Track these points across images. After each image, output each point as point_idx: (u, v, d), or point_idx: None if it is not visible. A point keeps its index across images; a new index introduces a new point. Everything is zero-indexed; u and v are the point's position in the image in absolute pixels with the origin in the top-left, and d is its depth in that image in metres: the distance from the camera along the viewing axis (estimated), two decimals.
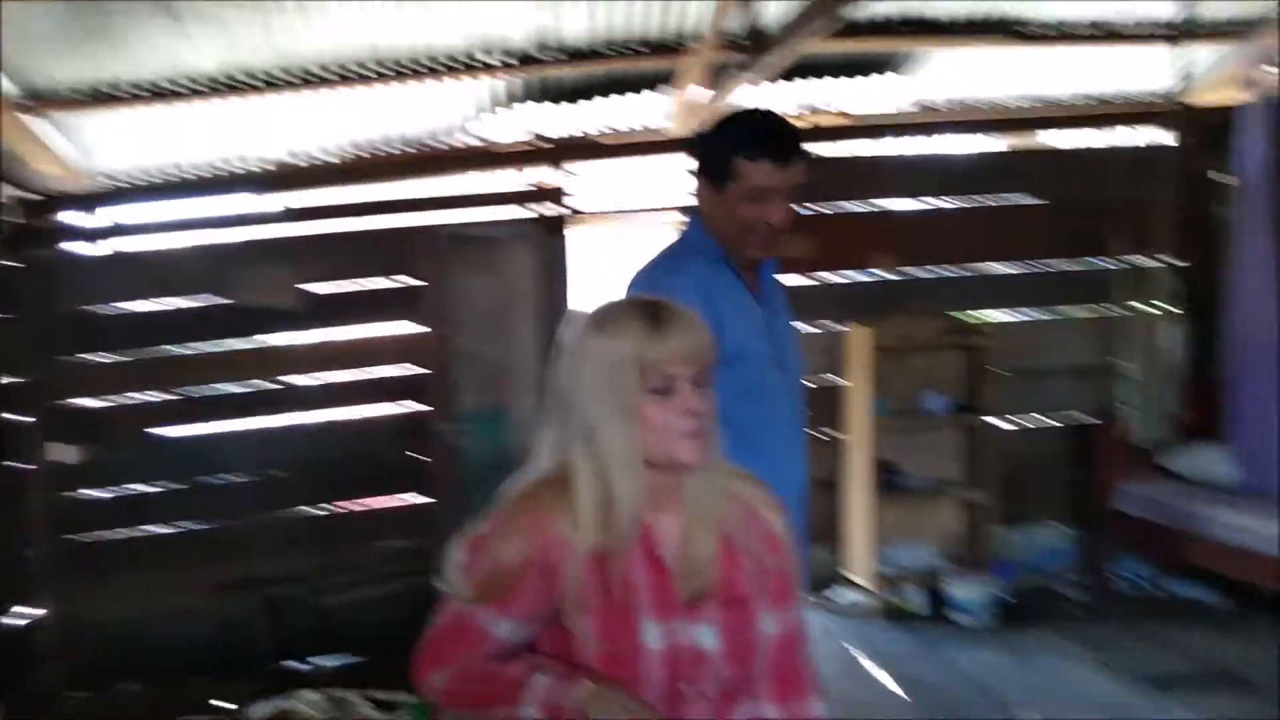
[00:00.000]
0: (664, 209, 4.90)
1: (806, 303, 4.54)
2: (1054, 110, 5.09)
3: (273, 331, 4.31)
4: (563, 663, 1.38)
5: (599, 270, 4.86)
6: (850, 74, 4.76)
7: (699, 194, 2.04)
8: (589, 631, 1.36)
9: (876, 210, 4.88)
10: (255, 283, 4.11)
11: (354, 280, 4.35)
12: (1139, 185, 4.87)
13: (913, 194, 4.87)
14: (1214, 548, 3.90)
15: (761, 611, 1.42)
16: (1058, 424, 4.84)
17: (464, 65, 4.14)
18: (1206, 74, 4.85)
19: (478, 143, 4.69)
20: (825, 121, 4.93)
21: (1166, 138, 4.91)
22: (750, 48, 3.84)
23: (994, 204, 4.89)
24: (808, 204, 4.80)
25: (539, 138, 4.69)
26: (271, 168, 4.49)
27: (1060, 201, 4.86)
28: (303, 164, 4.53)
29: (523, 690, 1.35)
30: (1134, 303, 4.64)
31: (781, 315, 2.13)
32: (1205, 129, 4.67)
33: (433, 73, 4.14)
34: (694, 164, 2.04)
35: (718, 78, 4.26)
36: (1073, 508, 4.75)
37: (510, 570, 1.37)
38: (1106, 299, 4.73)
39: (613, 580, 1.36)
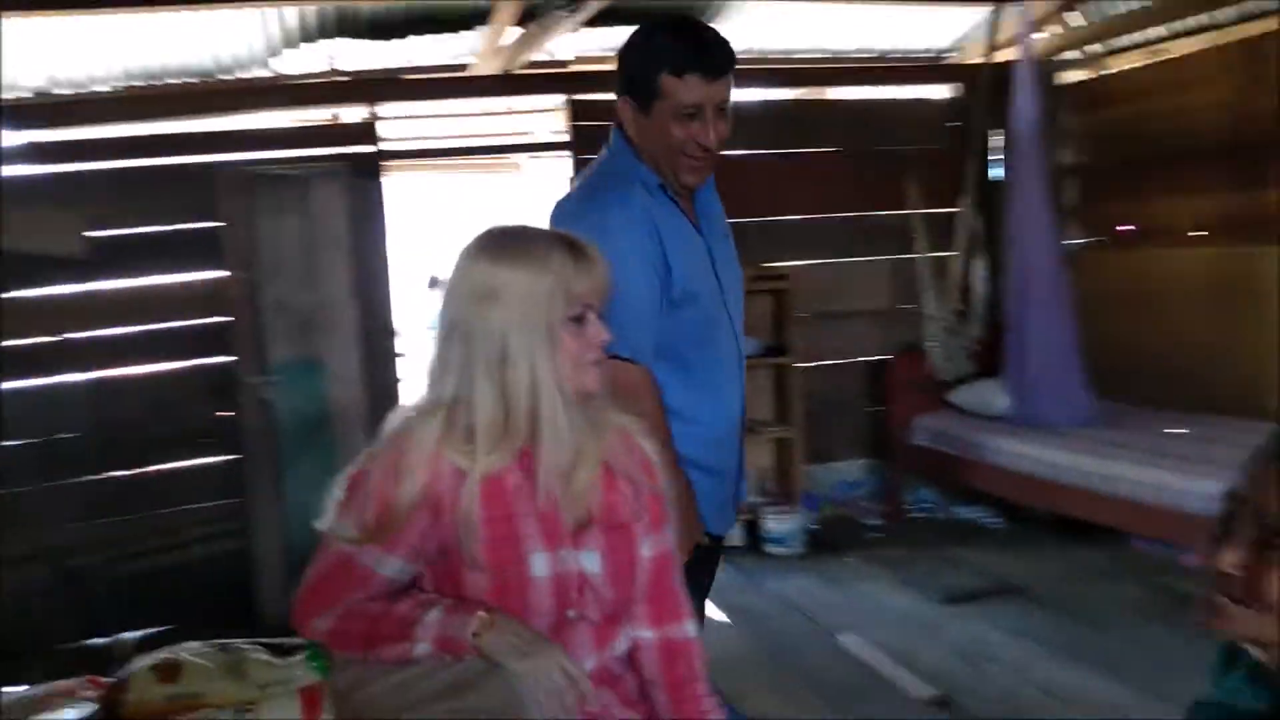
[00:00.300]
0: (479, 150, 4.81)
1: None
2: (846, 64, 5.34)
3: (56, 282, 3.92)
4: (451, 597, 1.37)
5: (416, 213, 4.71)
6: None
7: (625, 117, 1.87)
8: (479, 562, 1.35)
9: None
10: (31, 228, 3.71)
11: (147, 224, 4.01)
12: (929, 137, 5.24)
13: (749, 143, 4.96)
14: (992, 472, 4.32)
15: (641, 536, 1.46)
16: (858, 362, 5.15)
17: None
18: (987, 32, 5.25)
19: (278, 77, 4.41)
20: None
21: (954, 92, 5.30)
22: None
23: (793, 154, 5.09)
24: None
25: (339, 73, 4.46)
26: (38, 98, 4.05)
27: (857, 152, 5.12)
28: (77, 94, 4.11)
29: (414, 626, 1.33)
30: (930, 250, 4.97)
31: (722, 242, 2.01)
32: (988, 84, 5.06)
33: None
34: (618, 84, 1.87)
35: (533, 19, 4.20)
36: (871, 442, 5.11)
37: (399, 506, 1.34)
38: (906, 246, 5.02)
39: (509, 514, 1.36)
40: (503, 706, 1.28)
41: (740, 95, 5.02)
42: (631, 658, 1.49)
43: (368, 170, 4.26)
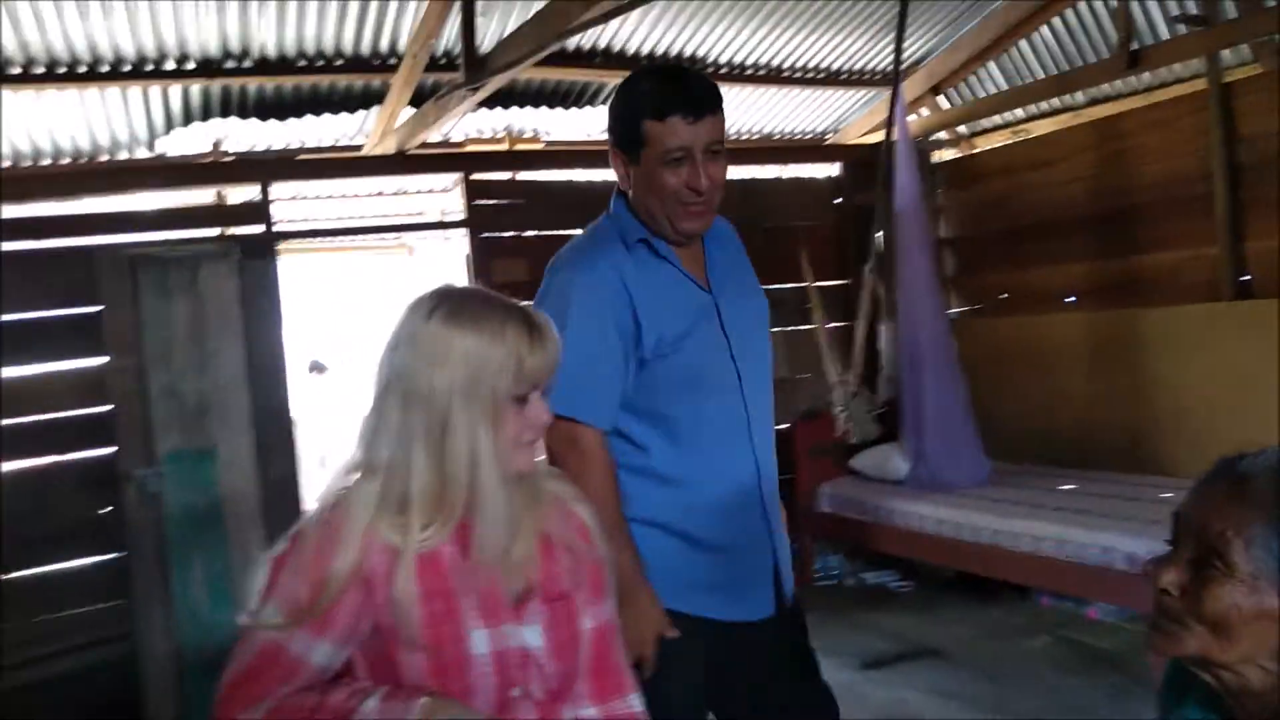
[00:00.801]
0: (376, 230, 4.74)
1: None
2: (739, 144, 5.53)
3: None
4: (386, 682, 1.29)
5: (313, 295, 4.57)
6: (551, 103, 4.91)
7: (619, 173, 1.84)
8: (416, 642, 1.28)
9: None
10: None
11: (22, 310, 3.77)
12: (816, 213, 5.45)
13: None
14: (897, 535, 4.41)
15: (582, 607, 1.41)
16: None
17: (142, 71, 3.77)
18: (859, 114, 5.54)
19: (162, 157, 4.27)
20: (526, 147, 5.02)
21: (830, 170, 5.54)
22: (462, 69, 3.82)
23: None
24: (522, 230, 4.87)
25: (225, 153, 4.35)
26: None
27: (749, 228, 5.25)
28: None
29: (351, 717, 1.24)
30: (826, 320, 5.09)
31: (738, 298, 1.91)
32: (858, 163, 5.32)
33: (107, 77, 3.73)
34: (609, 140, 1.83)
35: (428, 98, 4.21)
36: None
37: (332, 581, 1.26)
38: (801, 318, 5.11)
39: (446, 590, 1.30)
40: None
41: None
42: None
43: (260, 250, 4.12)
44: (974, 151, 5.61)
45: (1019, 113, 5.36)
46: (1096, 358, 4.65)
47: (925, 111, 5.43)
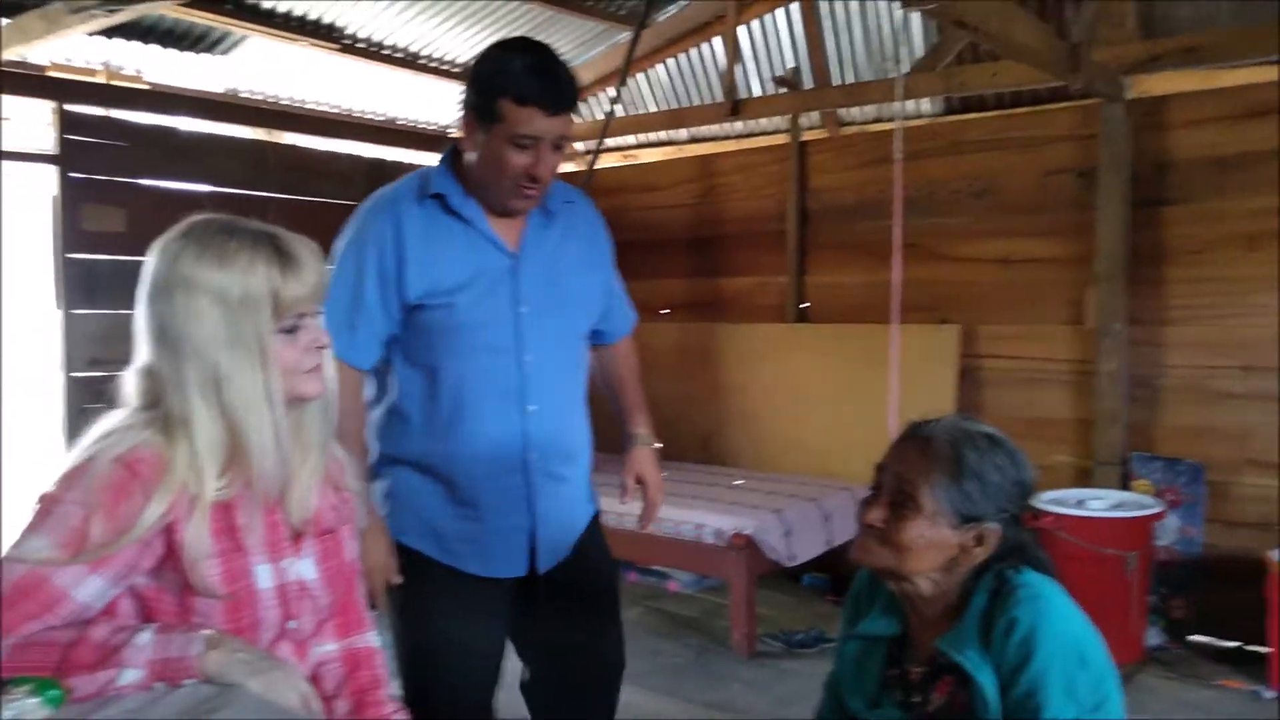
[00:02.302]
0: None
1: (120, 281, 4.12)
2: (354, 119, 5.43)
3: None
4: (163, 619, 1.26)
5: None
6: (163, 42, 4.51)
7: (464, 124, 1.82)
8: (208, 581, 1.26)
9: (187, 190, 4.64)
10: None
11: None
12: None
13: (221, 179, 4.71)
14: None
15: (347, 540, 1.46)
16: None
17: None
18: None
19: None
20: (123, 83, 4.54)
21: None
22: None
23: (312, 200, 5.02)
24: (115, 175, 4.38)
25: None
26: None
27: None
28: None
29: (120, 651, 1.18)
30: None
31: (564, 268, 1.91)
32: None
33: None
34: (464, 97, 1.82)
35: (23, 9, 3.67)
36: None
37: (134, 530, 1.21)
38: None
39: (232, 527, 1.29)
40: None
41: (247, 132, 4.96)
42: (313, 677, 1.44)
43: None
44: (594, 169, 6.05)
45: (630, 139, 5.90)
46: (683, 364, 5.25)
47: None
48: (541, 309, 1.88)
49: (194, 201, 4.99)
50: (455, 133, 5.81)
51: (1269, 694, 3.41)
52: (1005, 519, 1.41)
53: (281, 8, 4.46)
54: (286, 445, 1.32)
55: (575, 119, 1.83)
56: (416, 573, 1.89)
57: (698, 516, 3.98)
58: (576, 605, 2.03)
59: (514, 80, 1.74)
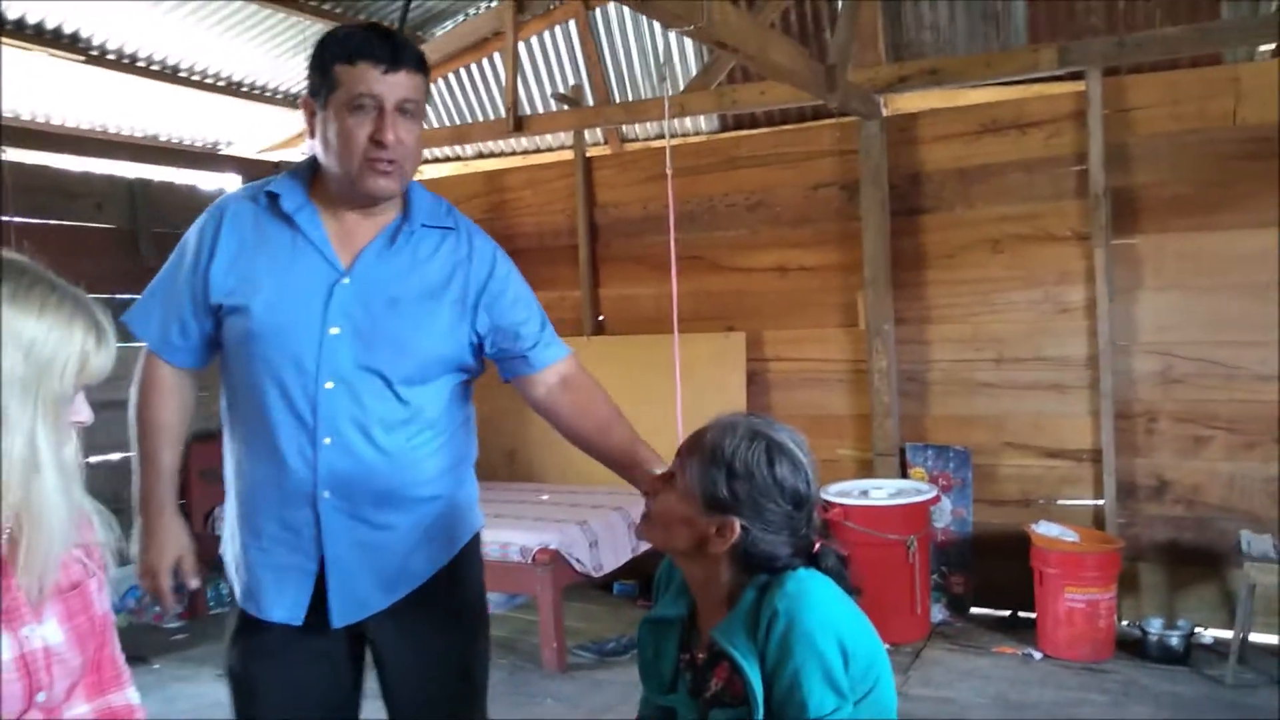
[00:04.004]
0: None
1: None
2: (109, 136, 5.06)
3: None
4: None
5: None
6: None
7: (305, 116, 1.71)
8: None
9: None
10: None
11: None
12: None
13: None
14: None
15: (94, 593, 1.37)
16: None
17: None
18: (271, 130, 5.49)
19: None
20: None
21: (230, 181, 5.38)
22: None
23: (62, 224, 4.62)
24: None
25: None
26: None
27: (133, 229, 4.84)
28: None
29: None
30: None
31: (405, 293, 1.71)
32: (257, 175, 5.28)
33: None
34: (304, 86, 1.71)
35: None
36: None
37: None
38: None
39: None
40: None
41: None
42: None
43: None
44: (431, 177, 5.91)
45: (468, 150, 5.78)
46: (486, 380, 5.12)
47: None
48: (357, 334, 1.69)
49: None
50: (225, 149, 5.52)
51: (1038, 655, 3.77)
52: (756, 517, 1.41)
53: (12, 13, 4.08)
54: (71, 515, 1.22)
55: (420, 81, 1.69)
56: (236, 606, 1.81)
57: (503, 535, 3.95)
58: (409, 665, 1.82)
59: (342, 43, 1.66)
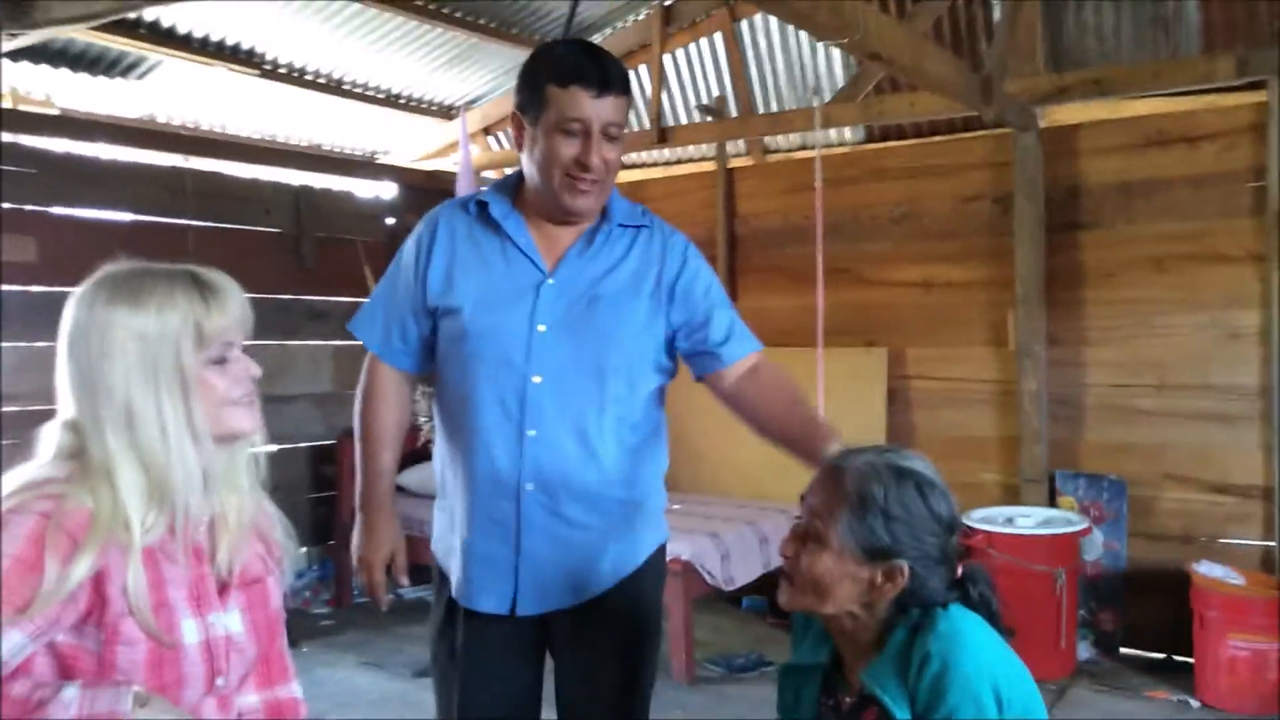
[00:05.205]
0: None
1: (30, 313, 3.97)
2: (277, 145, 5.33)
3: None
4: (79, 677, 1.21)
5: None
6: (73, 66, 4.38)
7: (515, 131, 1.79)
8: (134, 635, 1.22)
9: (102, 218, 4.49)
10: None
11: None
12: (366, 228, 5.44)
13: (138, 206, 4.55)
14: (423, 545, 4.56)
15: (273, 590, 1.44)
16: (301, 448, 5.04)
17: None
18: (426, 140, 5.70)
19: None
20: (34, 109, 4.40)
21: (385, 189, 5.60)
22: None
23: (233, 228, 4.90)
24: (24, 204, 4.22)
25: None
26: None
27: (297, 234, 5.10)
28: None
29: (46, 707, 1.13)
30: None
31: (603, 292, 1.79)
32: (412, 185, 5.50)
33: None
34: (514, 102, 1.78)
35: None
36: (316, 529, 5.00)
37: (61, 586, 1.17)
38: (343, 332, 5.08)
39: (158, 580, 1.26)
40: None
41: (171, 160, 4.82)
42: None
43: None
44: None
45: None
46: None
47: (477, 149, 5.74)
48: (563, 331, 1.77)
49: (109, 230, 4.81)
50: (383, 158, 5.75)
51: (1195, 704, 3.54)
52: (920, 555, 1.39)
53: (199, 32, 4.38)
54: (214, 481, 1.30)
55: (624, 103, 1.74)
56: (443, 598, 1.91)
57: None
58: (580, 665, 1.88)
59: (556, 64, 1.72)
